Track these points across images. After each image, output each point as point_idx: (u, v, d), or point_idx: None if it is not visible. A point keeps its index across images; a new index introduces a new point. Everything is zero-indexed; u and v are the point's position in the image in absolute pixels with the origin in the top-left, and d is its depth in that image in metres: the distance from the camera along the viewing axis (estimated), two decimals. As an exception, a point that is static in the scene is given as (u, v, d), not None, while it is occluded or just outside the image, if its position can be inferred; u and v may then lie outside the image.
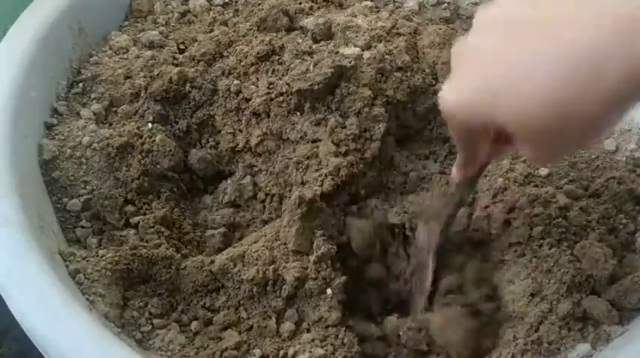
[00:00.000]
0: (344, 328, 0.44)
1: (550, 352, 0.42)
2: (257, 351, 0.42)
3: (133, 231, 0.49)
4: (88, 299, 0.41)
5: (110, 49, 0.58)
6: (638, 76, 0.27)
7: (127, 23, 0.62)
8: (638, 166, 0.54)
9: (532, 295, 0.45)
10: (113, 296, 0.43)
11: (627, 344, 0.41)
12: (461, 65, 0.34)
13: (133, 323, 0.43)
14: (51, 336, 0.37)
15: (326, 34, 0.55)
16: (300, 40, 0.55)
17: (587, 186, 0.52)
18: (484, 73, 0.32)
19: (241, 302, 0.45)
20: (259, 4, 0.61)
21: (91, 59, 0.57)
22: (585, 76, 0.28)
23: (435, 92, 0.54)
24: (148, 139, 0.51)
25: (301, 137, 0.51)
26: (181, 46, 0.59)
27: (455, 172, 0.44)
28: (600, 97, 0.28)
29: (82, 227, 0.47)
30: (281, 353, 0.42)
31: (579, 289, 0.44)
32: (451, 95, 0.34)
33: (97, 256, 0.45)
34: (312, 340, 0.43)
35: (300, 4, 0.59)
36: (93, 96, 0.55)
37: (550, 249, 0.46)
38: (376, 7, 0.61)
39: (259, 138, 0.52)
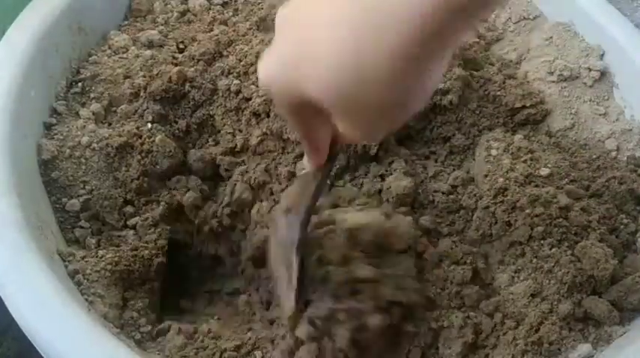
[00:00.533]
0: None
1: (551, 352, 0.42)
2: (258, 353, 0.42)
3: (132, 232, 0.49)
4: (87, 299, 0.41)
5: (109, 48, 0.58)
6: (416, 23, 0.26)
7: (126, 23, 0.62)
8: (639, 166, 0.54)
9: (532, 295, 0.45)
10: (112, 297, 0.43)
11: (628, 345, 0.41)
12: (276, 34, 0.31)
13: (132, 323, 0.43)
14: (50, 337, 0.37)
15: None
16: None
17: (588, 186, 0.52)
18: (288, 41, 0.30)
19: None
20: (259, 3, 0.61)
21: (90, 59, 0.57)
22: (365, 36, 0.26)
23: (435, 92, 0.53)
24: (147, 139, 0.51)
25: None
26: (181, 46, 0.59)
27: (305, 161, 0.40)
28: (384, 56, 0.26)
29: (81, 227, 0.47)
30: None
31: (580, 289, 0.44)
32: (262, 66, 0.32)
33: (97, 256, 0.45)
34: None
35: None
36: (92, 96, 0.54)
37: (551, 249, 0.46)
38: None
39: (259, 138, 0.52)
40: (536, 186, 0.49)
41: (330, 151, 0.39)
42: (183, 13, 0.62)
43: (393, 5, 0.26)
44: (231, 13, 0.62)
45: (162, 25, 0.61)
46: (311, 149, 0.38)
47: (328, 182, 0.48)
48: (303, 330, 0.41)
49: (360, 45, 0.27)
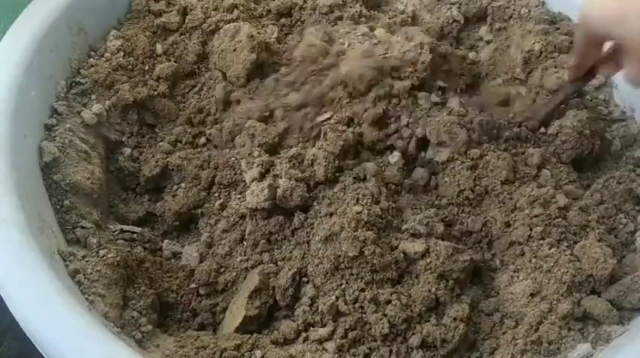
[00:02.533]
0: None
1: (550, 352, 0.42)
2: (257, 352, 0.42)
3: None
4: (87, 299, 0.41)
5: (109, 48, 0.58)
6: None
7: (126, 23, 0.62)
8: (638, 166, 0.54)
9: (532, 295, 0.45)
10: (113, 297, 0.43)
11: (628, 344, 0.41)
12: None
13: (132, 323, 0.43)
14: (50, 336, 0.37)
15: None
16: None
17: (587, 185, 0.52)
18: None
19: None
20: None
21: (90, 59, 0.57)
22: None
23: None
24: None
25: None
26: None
27: (567, 71, 0.55)
28: None
29: (82, 227, 0.47)
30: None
31: (579, 289, 0.44)
32: (595, 8, 0.44)
33: (97, 256, 0.45)
34: None
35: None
36: (93, 96, 0.55)
37: (550, 249, 0.46)
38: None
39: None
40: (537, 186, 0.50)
41: (586, 75, 0.53)
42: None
43: None
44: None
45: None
46: (578, 66, 0.53)
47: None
48: None
49: None
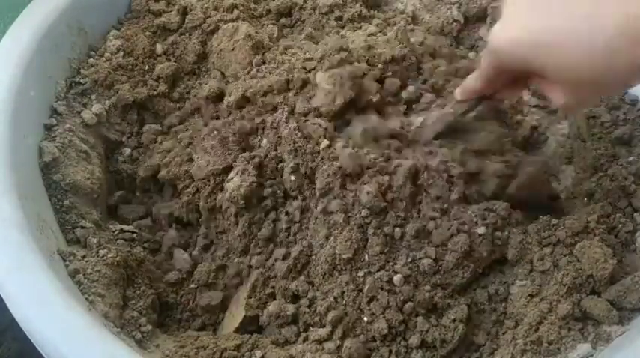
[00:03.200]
0: None
1: (550, 352, 0.42)
2: (257, 352, 0.42)
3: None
4: (87, 298, 0.41)
5: (109, 48, 0.58)
6: None
7: (126, 23, 0.62)
8: (629, 163, 0.53)
9: (531, 295, 0.45)
10: (113, 297, 0.43)
11: (627, 344, 0.41)
12: (517, 5, 0.37)
13: (133, 323, 0.43)
14: (50, 336, 0.37)
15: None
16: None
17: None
18: (544, 17, 0.35)
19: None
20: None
21: (90, 59, 0.57)
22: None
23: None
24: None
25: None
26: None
27: (464, 85, 0.48)
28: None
29: (82, 227, 0.47)
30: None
31: (579, 289, 0.44)
32: (504, 33, 0.38)
33: (97, 256, 0.45)
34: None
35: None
36: (93, 96, 0.55)
37: (550, 249, 0.46)
38: None
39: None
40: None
41: (489, 95, 0.48)
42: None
43: None
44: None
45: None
46: (479, 90, 0.46)
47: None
48: None
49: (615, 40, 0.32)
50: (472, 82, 0.47)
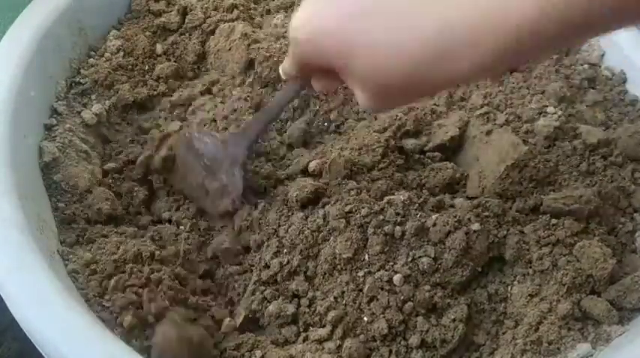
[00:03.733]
0: None
1: (550, 352, 0.42)
2: (257, 352, 0.42)
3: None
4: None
5: (109, 48, 0.58)
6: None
7: (126, 23, 0.62)
8: (627, 162, 0.53)
9: (531, 295, 0.45)
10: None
11: (627, 344, 0.41)
12: None
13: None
14: (50, 336, 0.37)
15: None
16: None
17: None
18: (352, 5, 0.31)
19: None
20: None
21: (90, 59, 0.57)
22: (449, 52, 0.28)
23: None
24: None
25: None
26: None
27: (284, 67, 0.43)
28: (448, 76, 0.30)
29: (82, 227, 0.47)
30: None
31: (579, 289, 0.44)
32: (305, 22, 0.33)
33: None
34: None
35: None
36: (93, 96, 0.55)
37: (549, 249, 0.46)
38: None
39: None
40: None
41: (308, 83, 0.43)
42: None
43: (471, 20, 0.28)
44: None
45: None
46: (294, 76, 0.42)
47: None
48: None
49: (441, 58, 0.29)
50: (285, 67, 0.43)
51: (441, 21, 0.28)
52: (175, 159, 0.50)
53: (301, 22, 0.33)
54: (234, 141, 0.49)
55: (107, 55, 0.58)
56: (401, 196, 0.45)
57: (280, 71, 0.45)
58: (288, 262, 0.45)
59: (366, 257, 0.44)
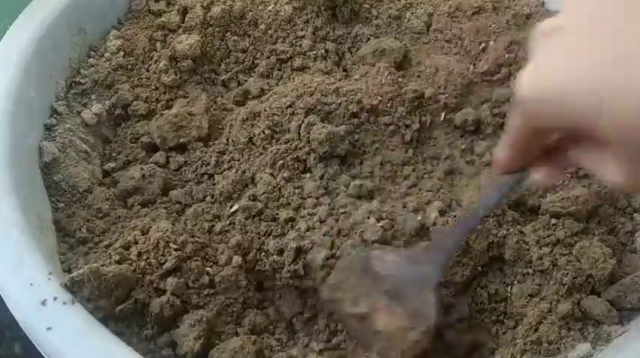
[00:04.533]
0: None
1: (550, 352, 0.42)
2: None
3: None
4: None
5: (109, 48, 0.58)
6: None
7: (126, 23, 0.62)
8: None
9: (531, 295, 0.45)
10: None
11: (628, 344, 0.41)
12: (549, 46, 0.27)
13: (133, 322, 0.43)
14: (50, 336, 0.37)
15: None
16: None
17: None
18: (586, 57, 0.25)
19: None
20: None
21: (90, 59, 0.57)
22: None
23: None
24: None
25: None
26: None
27: (497, 155, 0.36)
28: None
29: (82, 227, 0.47)
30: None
31: (579, 289, 0.44)
32: (538, 79, 0.27)
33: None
34: None
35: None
36: (93, 96, 0.55)
37: (549, 249, 0.46)
38: None
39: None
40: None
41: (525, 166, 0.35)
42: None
43: None
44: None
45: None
46: (508, 157, 0.34)
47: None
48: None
49: None
50: (499, 151, 0.36)
51: None
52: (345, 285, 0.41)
53: (538, 77, 0.27)
54: (426, 259, 0.40)
55: (107, 55, 0.58)
56: None
57: (493, 161, 0.38)
58: None
59: None
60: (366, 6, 0.62)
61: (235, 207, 0.47)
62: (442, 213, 0.45)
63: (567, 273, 0.44)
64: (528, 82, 0.27)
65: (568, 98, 0.25)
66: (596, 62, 0.25)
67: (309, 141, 0.49)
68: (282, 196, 0.47)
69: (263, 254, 0.45)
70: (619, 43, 0.24)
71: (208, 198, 0.49)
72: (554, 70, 0.26)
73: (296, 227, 0.45)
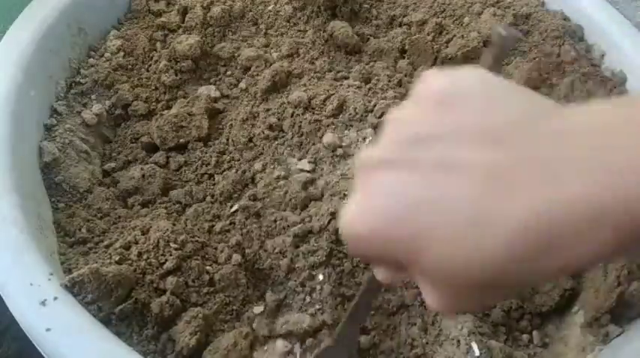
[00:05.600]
0: None
1: (549, 351, 0.42)
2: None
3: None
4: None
5: (109, 48, 0.58)
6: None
7: (126, 23, 0.62)
8: None
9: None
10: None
11: (626, 345, 0.41)
12: (372, 180, 0.26)
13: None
14: (50, 336, 0.37)
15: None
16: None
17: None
18: (411, 200, 0.25)
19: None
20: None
21: (90, 59, 0.57)
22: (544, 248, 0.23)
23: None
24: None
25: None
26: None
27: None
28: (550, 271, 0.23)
29: (82, 227, 0.47)
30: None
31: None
32: (361, 218, 0.26)
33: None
34: None
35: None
36: (93, 96, 0.55)
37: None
38: None
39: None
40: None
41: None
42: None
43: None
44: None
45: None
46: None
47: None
48: None
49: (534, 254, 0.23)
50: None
51: (538, 206, 0.23)
52: None
53: (359, 215, 0.27)
54: (332, 355, 0.41)
55: (107, 55, 0.58)
56: None
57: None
58: None
59: None
60: (366, 6, 0.63)
61: (235, 206, 0.47)
62: None
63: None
64: (350, 218, 0.27)
65: (387, 236, 0.25)
66: (414, 203, 0.25)
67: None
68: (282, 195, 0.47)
69: (263, 252, 0.45)
70: (442, 207, 0.24)
71: (208, 198, 0.49)
72: (378, 208, 0.26)
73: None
